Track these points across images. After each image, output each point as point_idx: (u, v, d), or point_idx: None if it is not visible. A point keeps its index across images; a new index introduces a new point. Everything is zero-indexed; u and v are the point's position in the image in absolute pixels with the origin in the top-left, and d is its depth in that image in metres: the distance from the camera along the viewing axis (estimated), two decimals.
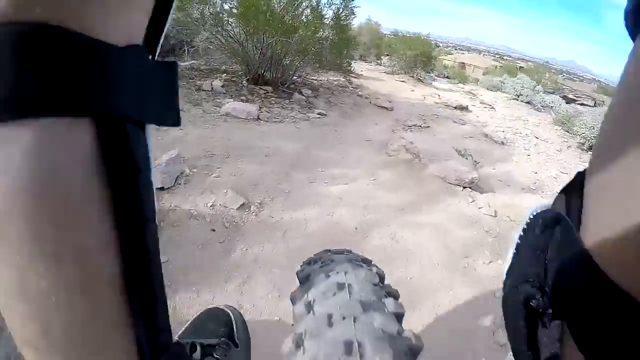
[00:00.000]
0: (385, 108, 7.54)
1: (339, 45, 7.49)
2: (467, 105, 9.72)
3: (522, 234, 0.29)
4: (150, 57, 0.29)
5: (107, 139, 0.24)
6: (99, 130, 0.23)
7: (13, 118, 0.20)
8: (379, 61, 17.61)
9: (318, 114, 5.93)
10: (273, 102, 5.91)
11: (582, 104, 20.33)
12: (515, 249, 0.30)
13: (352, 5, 7.55)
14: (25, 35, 0.20)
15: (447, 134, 6.49)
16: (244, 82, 6.31)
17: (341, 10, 7.43)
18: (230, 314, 0.83)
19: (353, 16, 7.73)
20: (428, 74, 14.25)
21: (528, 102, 14.47)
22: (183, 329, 0.81)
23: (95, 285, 0.25)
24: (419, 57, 13.06)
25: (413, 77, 13.13)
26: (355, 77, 9.99)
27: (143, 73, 0.26)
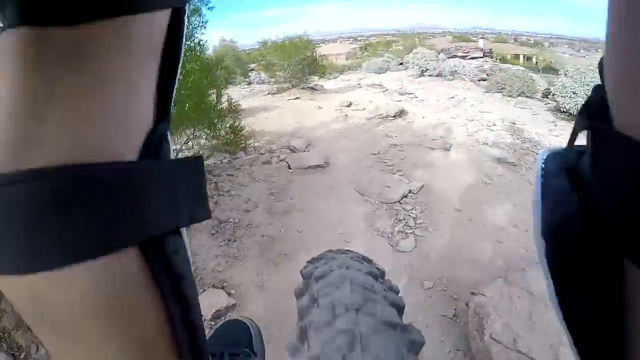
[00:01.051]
0: (320, 167, 4.13)
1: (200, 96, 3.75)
2: (402, 108, 6.66)
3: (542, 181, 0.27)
4: (171, 148, 0.29)
5: (153, 259, 0.25)
6: (144, 252, 0.24)
7: (69, 264, 0.21)
8: (247, 79, 14.59)
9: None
10: None
11: (473, 58, 19.49)
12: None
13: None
14: (47, 186, 0.20)
15: (464, 194, 3.61)
16: None
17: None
18: (249, 325, 0.88)
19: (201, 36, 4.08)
20: (321, 77, 11.11)
21: (438, 75, 12.14)
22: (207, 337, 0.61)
23: None
24: (304, 62, 9.90)
25: (305, 88, 9.92)
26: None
27: (171, 178, 0.26)
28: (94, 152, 0.21)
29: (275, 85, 10.44)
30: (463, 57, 17.30)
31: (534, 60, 38.75)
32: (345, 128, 5.84)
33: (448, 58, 13.53)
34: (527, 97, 9.17)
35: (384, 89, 10.02)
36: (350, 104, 7.62)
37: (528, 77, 9.80)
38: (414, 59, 12.69)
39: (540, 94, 9.42)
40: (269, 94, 9.94)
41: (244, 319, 0.91)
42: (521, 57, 41.65)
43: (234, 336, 0.84)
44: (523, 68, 15.59)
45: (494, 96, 9.04)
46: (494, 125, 5.94)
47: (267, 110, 7.25)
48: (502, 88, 9.52)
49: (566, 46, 70.11)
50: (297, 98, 8.70)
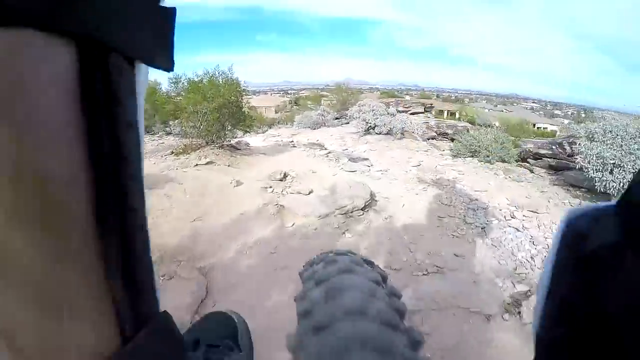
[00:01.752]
0: None
1: None
2: (371, 191, 4.22)
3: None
4: None
5: (88, 65, 0.20)
6: (80, 54, 0.20)
7: None
8: (168, 128, 11.80)
9: None
10: None
11: (413, 113, 18.33)
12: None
13: None
14: None
15: None
16: None
17: None
18: (235, 319, 0.76)
19: None
20: (247, 132, 8.53)
21: (387, 133, 10.08)
22: (186, 329, 0.68)
23: (61, 222, 0.21)
24: (225, 110, 7.31)
25: (222, 146, 7.31)
26: None
27: (135, 4, 0.23)
28: None
29: (184, 141, 7.69)
30: (404, 112, 15.91)
31: (457, 115, 39.24)
32: (281, 239, 3.19)
33: (398, 112, 11.58)
34: (505, 162, 7.24)
35: (326, 151, 7.65)
36: (284, 177, 5.08)
37: (503, 137, 7.88)
38: (359, 112, 10.53)
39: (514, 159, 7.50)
40: (172, 153, 7.15)
41: (229, 312, 0.75)
42: (445, 112, 42.20)
43: (216, 329, 0.70)
44: (469, 124, 14.42)
45: (468, 164, 6.94)
46: (524, 228, 3.65)
47: (152, 188, 4.42)
48: (475, 152, 7.51)
49: (484, 101, 74.88)
50: (208, 163, 6.00)
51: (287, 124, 17.06)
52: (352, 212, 3.61)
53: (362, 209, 3.69)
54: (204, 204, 3.94)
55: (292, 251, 2.95)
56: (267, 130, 13.85)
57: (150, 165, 5.85)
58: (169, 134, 11.49)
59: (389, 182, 5.13)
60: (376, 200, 4.10)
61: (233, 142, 8.07)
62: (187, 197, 4.10)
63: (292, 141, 9.57)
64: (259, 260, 2.80)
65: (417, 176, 5.62)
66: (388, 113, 10.46)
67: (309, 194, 4.08)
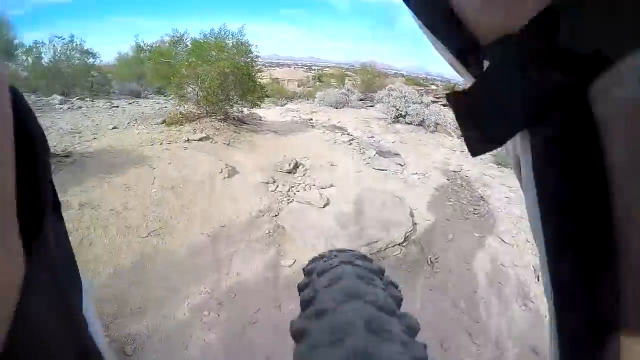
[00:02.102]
0: None
1: None
2: (409, 209, 2.95)
3: None
4: None
5: None
6: None
7: None
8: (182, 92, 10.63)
9: None
10: None
11: (445, 105, 16.61)
12: None
13: None
14: None
15: None
16: None
17: None
18: None
19: None
20: (256, 104, 7.13)
21: (419, 124, 8.77)
22: None
23: None
24: (232, 78, 6.07)
25: (226, 118, 6.13)
26: None
27: None
28: None
29: (181, 109, 6.51)
30: (435, 103, 14.44)
31: None
32: (271, 294, 1.99)
33: (432, 102, 10.20)
34: None
35: (349, 137, 6.39)
36: (295, 167, 3.90)
37: None
38: (389, 97, 9.19)
39: None
40: (163, 122, 5.94)
41: None
42: None
43: None
44: None
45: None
46: None
47: (110, 173, 3.22)
48: None
49: None
50: (203, 139, 4.83)
51: (308, 99, 15.83)
52: (385, 249, 2.39)
53: (400, 244, 2.47)
54: (173, 205, 2.76)
55: (284, 323, 1.76)
56: (286, 104, 12.61)
57: (132, 136, 4.67)
58: (182, 97, 10.29)
59: (431, 195, 3.90)
60: (416, 224, 2.88)
61: (244, 113, 6.88)
62: (153, 192, 2.91)
63: (311, 119, 8.35)
64: (224, 338, 1.60)
65: (462, 188, 4.37)
66: (422, 102, 9.12)
67: (324, 206, 2.85)
